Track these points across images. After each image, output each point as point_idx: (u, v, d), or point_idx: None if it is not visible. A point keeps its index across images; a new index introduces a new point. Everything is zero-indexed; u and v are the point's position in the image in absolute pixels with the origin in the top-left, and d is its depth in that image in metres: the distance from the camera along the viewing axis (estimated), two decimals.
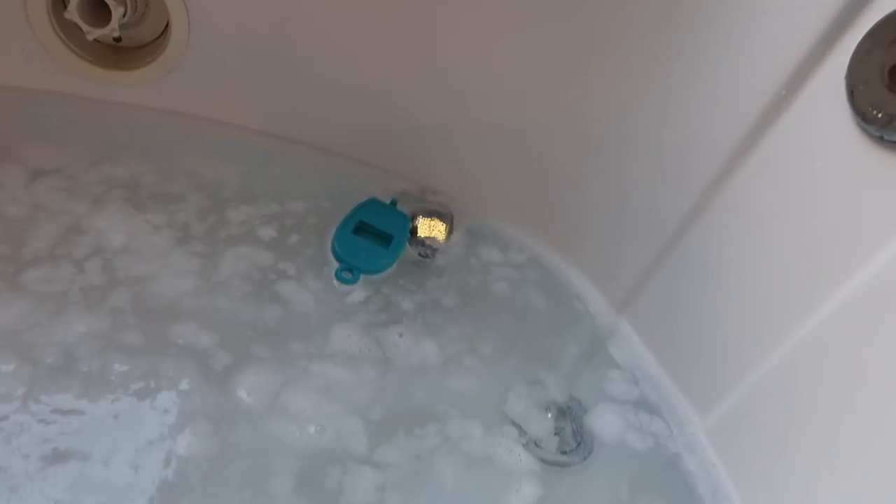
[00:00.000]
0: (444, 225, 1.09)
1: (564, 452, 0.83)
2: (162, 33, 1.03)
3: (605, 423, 0.89)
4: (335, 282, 0.93)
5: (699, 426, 0.90)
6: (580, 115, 0.99)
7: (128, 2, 0.96)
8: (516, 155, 1.07)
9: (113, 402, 0.71)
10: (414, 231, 1.06)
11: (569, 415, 0.88)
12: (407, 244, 1.03)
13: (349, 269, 0.94)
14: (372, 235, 1.00)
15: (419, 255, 1.04)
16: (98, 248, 0.85)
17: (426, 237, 1.07)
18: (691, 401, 0.92)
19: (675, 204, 0.91)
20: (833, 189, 0.68)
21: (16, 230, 0.84)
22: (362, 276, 0.95)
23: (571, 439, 0.85)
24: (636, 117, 0.93)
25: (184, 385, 0.75)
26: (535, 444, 0.83)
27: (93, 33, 0.94)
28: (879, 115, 0.60)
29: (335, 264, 0.95)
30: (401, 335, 0.90)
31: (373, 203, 1.05)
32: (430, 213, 1.09)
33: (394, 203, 1.07)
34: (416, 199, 1.11)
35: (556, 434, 0.85)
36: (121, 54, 1.04)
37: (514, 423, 0.84)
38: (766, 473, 0.80)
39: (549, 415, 0.86)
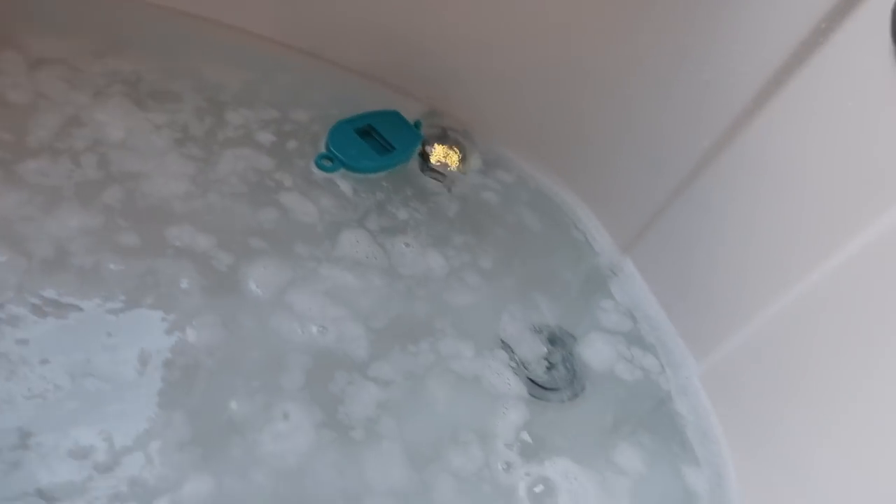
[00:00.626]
0: (458, 154, 1.07)
1: (555, 389, 0.83)
2: None
3: (599, 356, 0.88)
4: (313, 167, 0.93)
5: (694, 370, 0.90)
6: (598, 53, 0.95)
7: None
8: (533, 89, 1.04)
9: (110, 299, 0.71)
10: (426, 157, 1.04)
11: (561, 345, 0.87)
12: (409, 162, 1.02)
13: (329, 158, 0.94)
14: (374, 141, 0.99)
15: (432, 178, 1.02)
16: (96, 142, 0.83)
17: (438, 162, 1.05)
18: (688, 344, 0.92)
19: (692, 143, 0.88)
20: (863, 132, 0.65)
21: (16, 117, 0.82)
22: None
23: (563, 372, 0.85)
24: (658, 56, 0.89)
25: (184, 284, 0.74)
26: (528, 377, 0.82)
27: None
28: None
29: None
30: (407, 245, 0.90)
31: (392, 114, 1.03)
32: (445, 142, 1.08)
33: (417, 124, 1.05)
34: (433, 126, 1.08)
35: (548, 368, 0.84)
36: None
37: (505, 346, 0.84)
38: (757, 421, 0.80)
39: (546, 348, 0.86)
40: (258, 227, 0.83)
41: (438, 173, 1.03)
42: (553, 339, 0.88)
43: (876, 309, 0.64)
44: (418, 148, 1.03)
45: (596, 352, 0.88)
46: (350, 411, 0.71)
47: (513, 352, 0.84)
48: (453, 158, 1.06)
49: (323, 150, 0.96)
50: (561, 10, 0.95)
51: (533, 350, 0.85)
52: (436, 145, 1.06)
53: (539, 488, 0.72)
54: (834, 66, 0.69)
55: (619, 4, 0.91)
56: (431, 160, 1.04)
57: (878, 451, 0.62)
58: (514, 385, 0.79)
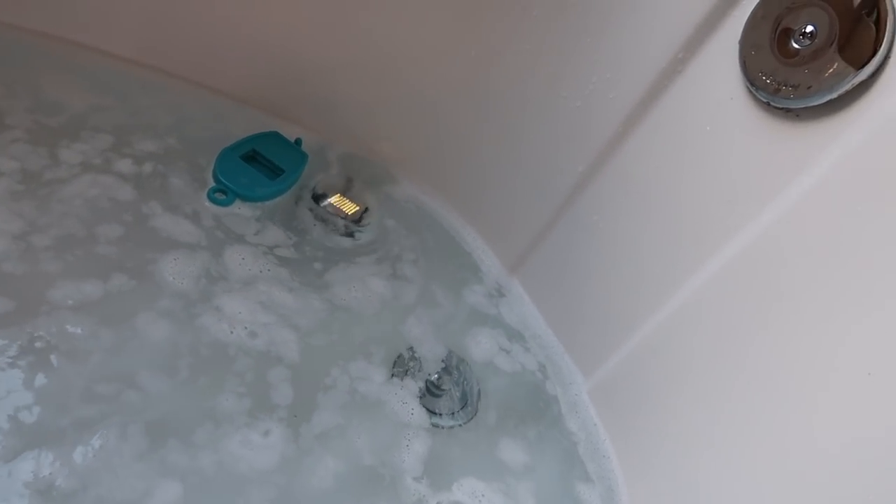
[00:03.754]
0: (357, 207, 1.03)
1: (444, 414, 0.82)
2: None
3: (491, 377, 0.88)
4: (207, 202, 0.89)
5: (583, 386, 0.92)
6: (477, 77, 0.97)
7: None
8: (413, 113, 1.04)
9: None
10: (318, 199, 1.00)
11: (453, 369, 0.87)
12: (295, 185, 0.98)
13: (223, 192, 0.90)
14: (262, 165, 0.96)
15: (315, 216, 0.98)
16: None
17: (333, 205, 1.01)
18: (576, 361, 0.94)
19: (569, 167, 0.90)
20: (720, 153, 0.69)
21: None
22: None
23: (457, 395, 0.84)
24: (533, 80, 0.92)
25: None
26: (423, 404, 0.81)
27: None
28: (768, 81, 0.61)
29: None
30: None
31: (272, 136, 1.00)
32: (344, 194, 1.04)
33: (298, 142, 1.03)
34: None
35: (440, 393, 0.83)
36: None
37: (397, 372, 0.83)
38: (642, 433, 0.82)
39: (435, 375, 0.84)
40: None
41: (330, 212, 0.99)
42: (444, 363, 0.87)
43: (739, 317, 0.68)
44: (305, 167, 1.00)
45: (487, 372, 0.88)
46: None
47: (403, 376, 0.82)
48: (349, 207, 1.02)
49: (211, 182, 0.91)
50: (437, 37, 0.96)
51: (423, 375, 0.84)
52: (336, 197, 1.02)
53: None
54: (692, 92, 0.73)
55: (492, 30, 0.92)
56: (331, 202, 1.01)
57: (753, 452, 0.65)
58: (416, 414, 0.78)
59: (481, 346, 0.91)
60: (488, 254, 1.04)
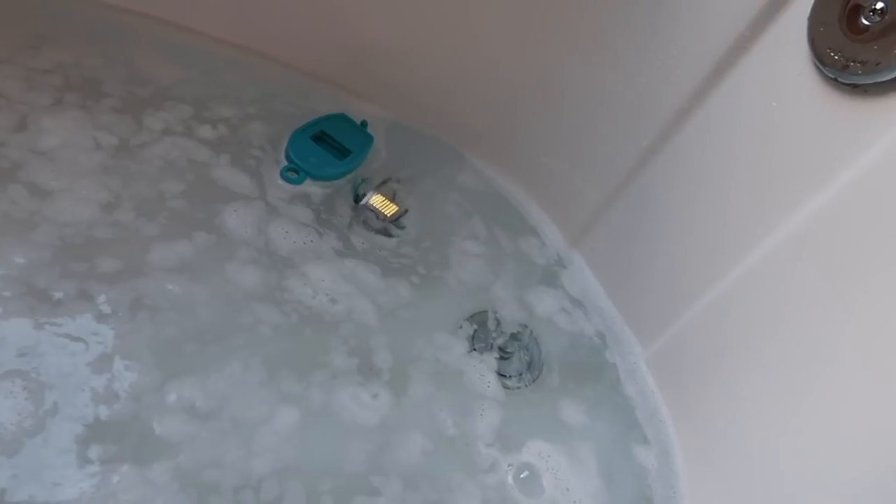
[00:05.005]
0: (396, 208, 1.01)
1: (513, 376, 0.87)
2: None
3: (553, 343, 0.93)
4: (279, 180, 0.94)
5: (640, 356, 0.95)
6: (546, 55, 0.99)
7: None
8: (485, 90, 1.07)
9: None
10: (358, 198, 1.00)
11: (518, 335, 0.91)
12: (363, 163, 1.03)
13: (294, 170, 0.95)
14: (330, 146, 1.01)
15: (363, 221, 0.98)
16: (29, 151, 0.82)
17: (375, 206, 1.00)
18: (635, 331, 0.97)
19: (633, 142, 0.93)
20: (785, 129, 0.71)
21: None
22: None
23: (522, 359, 0.88)
24: (598, 57, 0.94)
25: None
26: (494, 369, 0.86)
27: None
28: (836, 58, 0.63)
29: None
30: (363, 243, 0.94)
31: (340, 117, 1.05)
32: (385, 192, 1.03)
33: (364, 124, 1.07)
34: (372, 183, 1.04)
35: (504, 358, 0.88)
36: None
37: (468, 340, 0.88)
38: (698, 399, 0.86)
39: (500, 339, 0.89)
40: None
41: (373, 213, 0.99)
42: (510, 330, 0.91)
43: (799, 291, 0.70)
44: (372, 147, 1.05)
45: (550, 338, 0.93)
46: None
47: (483, 349, 0.87)
48: (390, 209, 1.00)
49: (284, 162, 0.97)
50: (509, 17, 0.99)
51: (491, 341, 0.89)
52: (374, 195, 1.01)
53: (525, 474, 0.77)
54: (758, 69, 0.75)
55: (561, 9, 0.95)
56: (372, 203, 1.00)
57: (811, 423, 0.68)
58: (492, 385, 0.84)
59: (544, 313, 0.96)
60: (551, 227, 1.08)
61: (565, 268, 1.04)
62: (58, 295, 0.70)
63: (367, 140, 1.05)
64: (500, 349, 0.87)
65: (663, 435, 0.87)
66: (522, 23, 0.98)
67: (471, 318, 0.91)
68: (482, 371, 0.85)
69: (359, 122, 1.07)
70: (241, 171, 0.92)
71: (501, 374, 0.86)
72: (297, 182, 0.95)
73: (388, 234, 0.97)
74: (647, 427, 0.88)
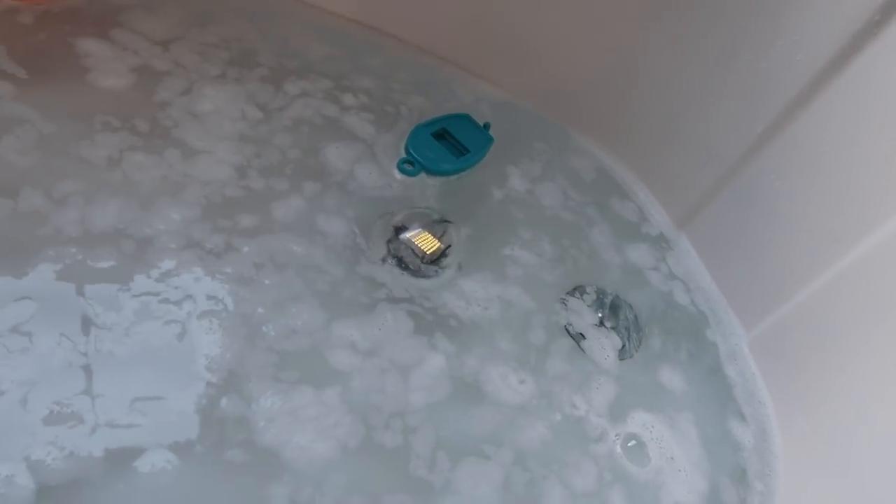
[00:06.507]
0: (438, 245, 0.92)
1: (619, 349, 0.91)
2: None
3: (656, 321, 0.96)
4: (396, 172, 0.99)
5: (743, 338, 0.97)
6: (662, 40, 1.01)
7: None
8: (601, 73, 1.10)
9: None
10: (399, 230, 0.92)
11: (619, 311, 0.95)
12: (480, 161, 1.05)
13: (410, 162, 0.99)
14: (449, 144, 1.04)
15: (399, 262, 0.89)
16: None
17: (415, 244, 0.91)
18: (738, 314, 0.98)
19: (747, 127, 0.93)
20: None
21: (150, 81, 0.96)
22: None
23: (624, 335, 0.92)
24: (718, 40, 0.94)
25: None
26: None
27: None
28: None
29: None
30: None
31: (463, 118, 1.09)
32: (430, 228, 0.93)
33: (486, 126, 1.10)
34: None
35: (612, 328, 0.92)
36: None
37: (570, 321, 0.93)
38: (800, 385, 0.87)
39: (600, 313, 0.93)
40: None
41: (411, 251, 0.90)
42: (612, 306, 0.95)
43: None
44: (490, 149, 1.07)
45: (653, 315, 0.97)
46: None
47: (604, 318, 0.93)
48: (432, 245, 0.91)
49: (403, 154, 1.01)
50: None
51: (593, 316, 0.94)
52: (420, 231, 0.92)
53: (632, 443, 0.82)
54: (886, 56, 0.74)
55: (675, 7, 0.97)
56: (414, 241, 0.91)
57: None
58: (611, 358, 0.90)
59: (648, 291, 0.99)
60: (657, 208, 1.10)
61: (671, 249, 1.06)
62: (213, 247, 0.81)
63: (487, 141, 1.07)
64: (610, 322, 0.92)
65: (762, 416, 0.89)
66: (644, 5, 1.00)
67: (574, 291, 0.95)
68: (603, 344, 0.90)
69: (481, 124, 1.09)
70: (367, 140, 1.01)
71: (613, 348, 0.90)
72: (412, 174, 0.98)
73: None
74: (745, 406, 0.89)
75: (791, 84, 0.86)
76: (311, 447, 0.70)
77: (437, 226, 0.93)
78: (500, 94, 1.18)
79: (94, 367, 0.69)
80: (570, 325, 0.91)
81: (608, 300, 0.95)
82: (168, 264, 0.78)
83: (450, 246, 0.93)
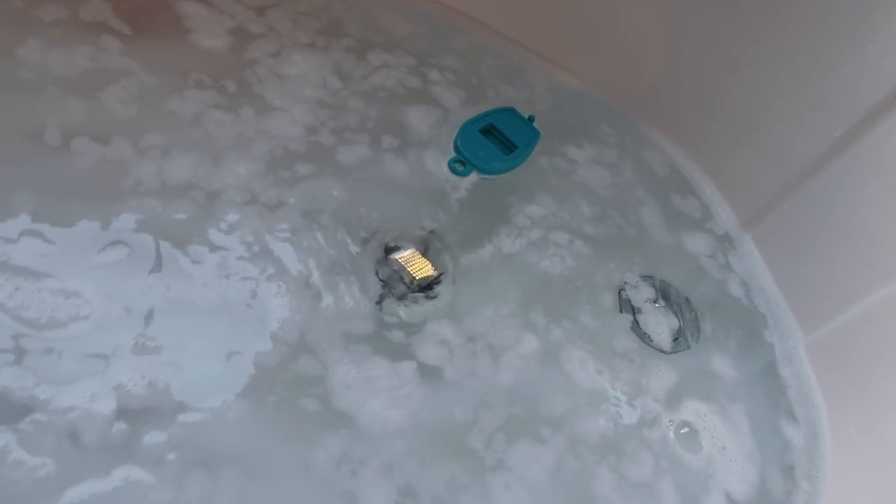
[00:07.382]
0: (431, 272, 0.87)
1: (678, 339, 0.92)
2: None
3: (714, 316, 0.97)
4: (446, 171, 0.98)
5: (800, 341, 0.96)
6: (743, 39, 1.01)
7: None
8: (674, 68, 1.11)
9: None
10: (388, 250, 0.87)
11: (679, 306, 0.96)
12: (528, 158, 1.04)
13: (462, 162, 0.98)
14: (497, 140, 1.03)
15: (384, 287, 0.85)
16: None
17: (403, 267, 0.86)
18: (798, 317, 0.98)
19: (824, 132, 0.93)
20: None
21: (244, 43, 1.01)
22: None
23: (681, 327, 0.94)
24: (805, 41, 0.93)
25: None
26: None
27: None
28: None
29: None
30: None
31: (509, 112, 1.07)
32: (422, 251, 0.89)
33: (531, 119, 1.08)
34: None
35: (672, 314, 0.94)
36: None
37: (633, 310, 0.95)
38: (856, 392, 0.86)
39: (658, 304, 0.95)
40: None
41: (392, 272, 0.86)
42: (668, 298, 0.96)
43: None
44: (538, 142, 1.06)
45: (713, 309, 0.98)
46: None
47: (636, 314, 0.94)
48: (423, 269, 0.87)
49: (453, 153, 1.00)
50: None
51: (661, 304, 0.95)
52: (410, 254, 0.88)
53: (685, 430, 0.84)
54: None
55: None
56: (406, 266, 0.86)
57: None
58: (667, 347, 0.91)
59: (709, 286, 1.00)
60: (724, 207, 1.10)
61: (734, 248, 1.06)
62: (274, 201, 0.86)
63: (534, 136, 1.06)
64: (671, 311, 0.93)
65: (814, 418, 0.89)
66: (728, 3, 1.00)
67: (636, 276, 0.97)
68: (660, 331, 0.92)
69: (526, 117, 1.08)
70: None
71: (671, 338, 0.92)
72: (464, 174, 0.97)
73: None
74: (798, 408, 0.90)
75: (875, 90, 0.85)
76: (383, 413, 0.74)
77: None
78: (575, 84, 1.20)
79: (178, 311, 0.74)
80: (628, 297, 0.94)
81: (671, 292, 0.97)
82: (233, 217, 0.83)
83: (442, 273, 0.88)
